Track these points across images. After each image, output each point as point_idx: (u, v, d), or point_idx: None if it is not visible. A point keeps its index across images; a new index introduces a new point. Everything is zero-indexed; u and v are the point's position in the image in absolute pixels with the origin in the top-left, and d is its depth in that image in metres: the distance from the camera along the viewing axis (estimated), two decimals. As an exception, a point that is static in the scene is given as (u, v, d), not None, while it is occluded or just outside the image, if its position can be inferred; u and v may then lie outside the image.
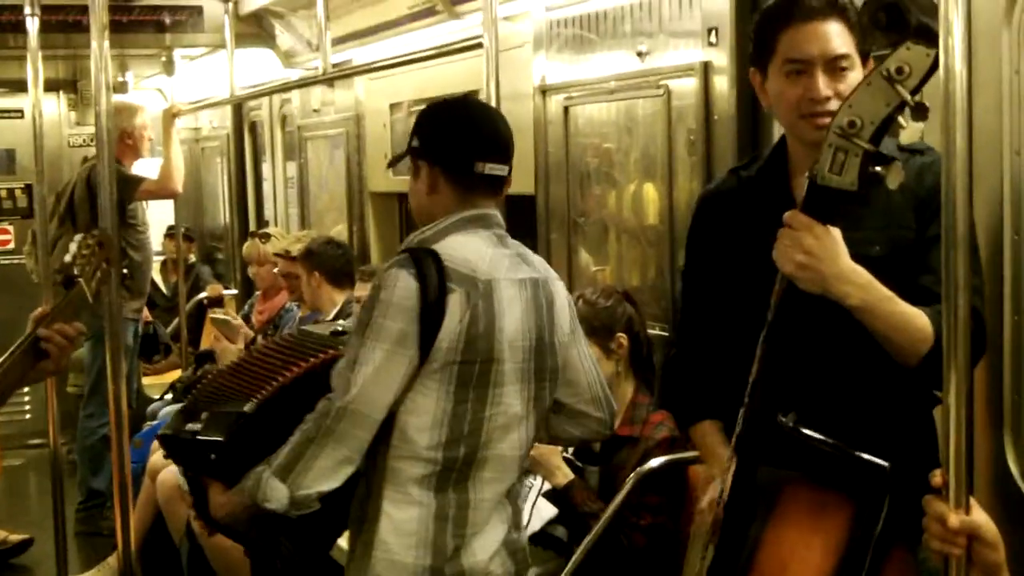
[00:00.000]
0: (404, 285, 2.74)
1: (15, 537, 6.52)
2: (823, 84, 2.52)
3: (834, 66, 2.53)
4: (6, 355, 3.09)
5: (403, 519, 2.80)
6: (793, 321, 2.39)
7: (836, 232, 2.31)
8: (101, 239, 3.38)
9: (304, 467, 2.73)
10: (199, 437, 3.05)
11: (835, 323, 2.40)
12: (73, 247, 3.29)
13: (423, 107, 3.04)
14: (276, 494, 2.73)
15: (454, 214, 2.88)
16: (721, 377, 2.84)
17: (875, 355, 2.43)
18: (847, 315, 2.36)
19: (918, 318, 2.35)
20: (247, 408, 2.98)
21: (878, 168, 2.22)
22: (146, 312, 7.65)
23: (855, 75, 2.53)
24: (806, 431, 2.39)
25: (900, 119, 2.21)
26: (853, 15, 2.55)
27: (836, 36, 2.52)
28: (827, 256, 2.31)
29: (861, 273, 2.33)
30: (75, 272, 3.25)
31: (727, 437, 2.76)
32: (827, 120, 2.52)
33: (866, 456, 2.35)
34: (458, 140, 2.91)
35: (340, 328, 3.20)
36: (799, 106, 2.56)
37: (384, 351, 2.73)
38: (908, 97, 2.15)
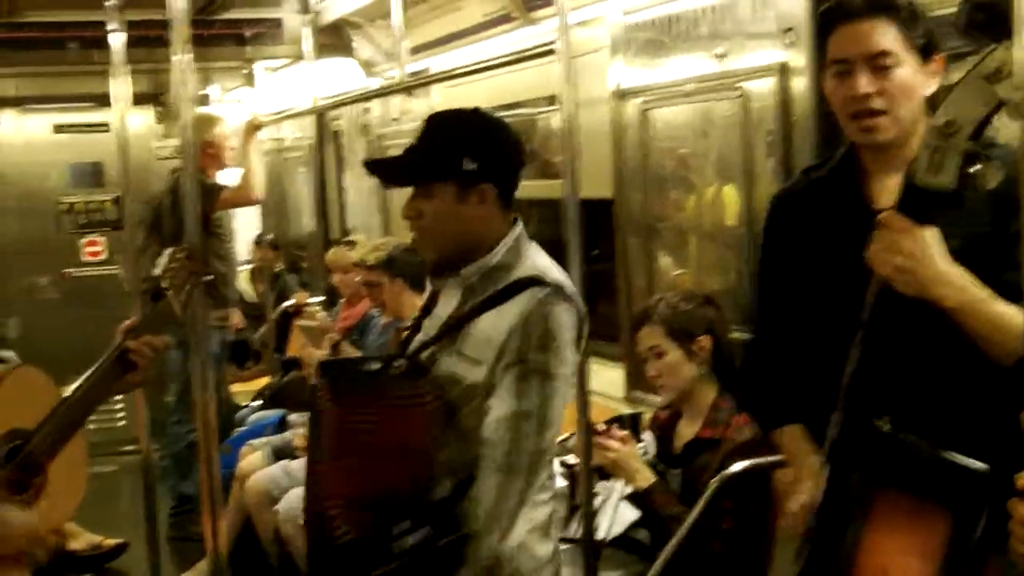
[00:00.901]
0: (567, 320, 2.70)
1: (110, 542, 6.60)
2: (864, 82, 2.52)
3: (875, 64, 2.52)
4: (95, 366, 3.16)
5: (535, 517, 2.74)
6: (889, 323, 2.38)
7: (933, 233, 2.30)
8: (190, 253, 3.43)
9: (521, 514, 2.68)
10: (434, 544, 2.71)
11: (931, 324, 2.38)
12: (163, 260, 3.35)
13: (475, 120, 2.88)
14: (515, 555, 2.67)
15: (510, 232, 2.82)
16: (800, 379, 2.84)
17: (971, 357, 2.40)
18: (943, 316, 2.34)
19: (1015, 317, 2.31)
20: (446, 491, 2.72)
21: (975, 168, 2.22)
22: (238, 319, 7.73)
23: (903, 72, 2.53)
24: (903, 434, 2.38)
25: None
26: (906, 12, 2.54)
27: (877, 34, 2.52)
28: (925, 258, 2.29)
29: (959, 275, 2.31)
30: (164, 285, 3.30)
31: (810, 440, 2.78)
32: (871, 121, 2.54)
33: (965, 460, 2.33)
34: (514, 159, 2.85)
35: (376, 367, 2.86)
36: (845, 106, 2.58)
37: (564, 383, 2.72)
38: (1006, 97, 2.14)
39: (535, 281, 2.71)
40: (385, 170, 2.97)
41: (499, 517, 2.66)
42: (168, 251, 3.37)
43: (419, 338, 2.89)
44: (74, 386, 3.13)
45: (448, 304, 2.87)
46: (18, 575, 2.93)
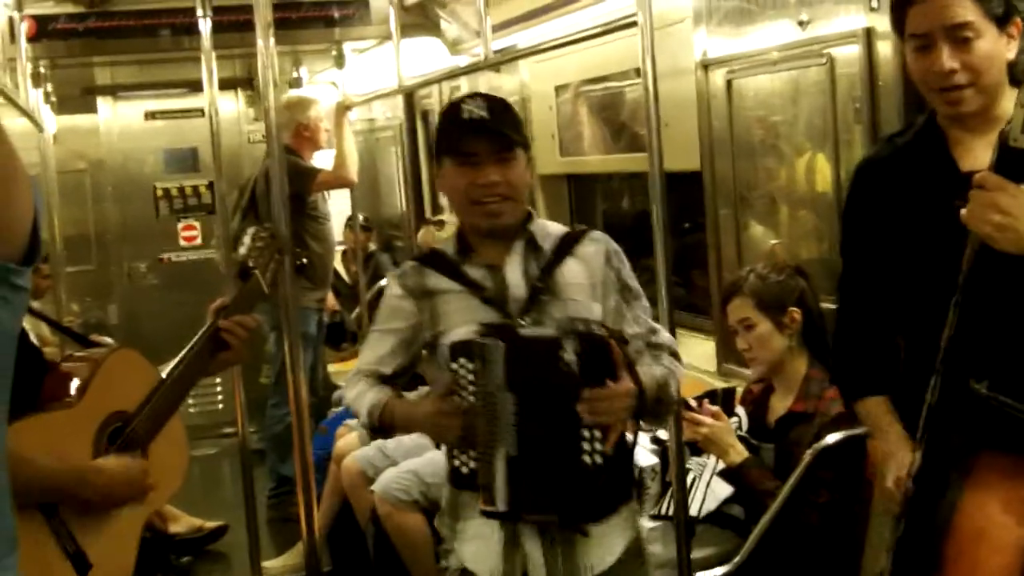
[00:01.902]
0: None
1: (210, 524, 6.70)
2: (946, 56, 2.50)
3: (956, 36, 2.50)
4: (189, 346, 3.20)
5: None
6: (986, 284, 2.36)
7: None
8: (273, 231, 3.47)
9: None
10: None
11: None
12: (247, 240, 3.39)
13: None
14: None
15: None
16: (888, 349, 2.81)
17: None
18: None
19: None
20: None
21: None
22: (332, 301, 7.79)
23: (983, 44, 2.51)
24: (1001, 397, 2.36)
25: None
26: None
27: (956, 6, 2.50)
28: None
29: None
30: (249, 264, 3.34)
31: (895, 410, 2.75)
32: (956, 95, 2.52)
33: None
34: None
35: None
36: (926, 80, 2.56)
37: None
38: None
39: (586, 231, 3.15)
40: (483, 132, 3.03)
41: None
42: (251, 230, 3.41)
43: (517, 295, 3.01)
44: (170, 367, 3.18)
45: (515, 263, 3.04)
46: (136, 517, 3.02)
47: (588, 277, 3.06)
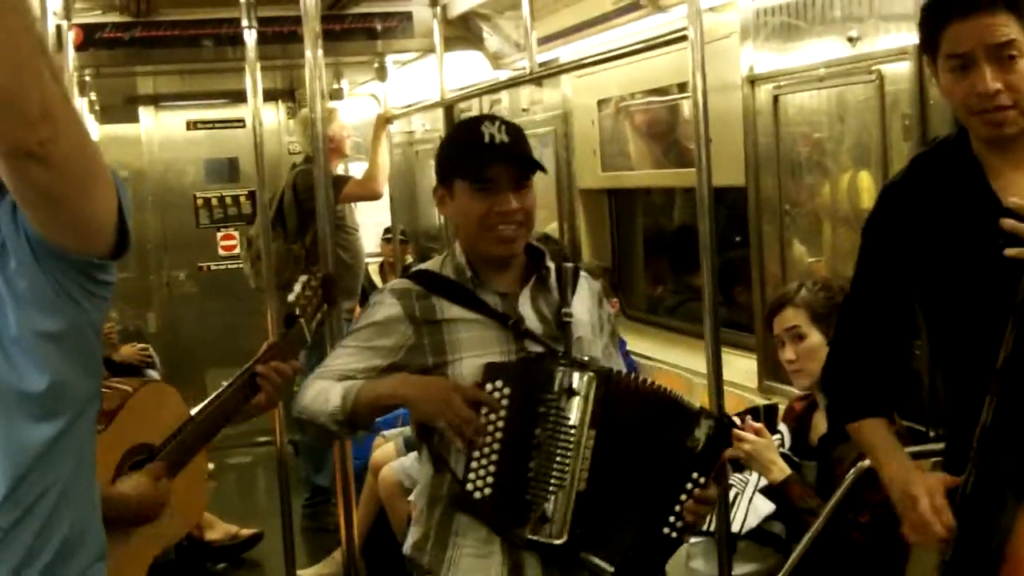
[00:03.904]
0: None
1: (246, 532, 6.73)
2: (990, 77, 2.42)
3: (1000, 55, 2.43)
4: (224, 387, 3.16)
5: None
6: None
7: None
8: (324, 279, 3.44)
9: None
10: None
11: None
12: (297, 287, 3.35)
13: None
14: None
15: None
16: (887, 377, 2.77)
17: None
18: None
19: None
20: None
21: None
22: (359, 311, 7.81)
23: None
24: None
25: None
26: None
27: (1001, 24, 2.42)
28: None
29: None
30: (296, 312, 3.30)
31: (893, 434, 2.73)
32: (1000, 115, 2.45)
33: None
34: None
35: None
36: (967, 103, 2.48)
37: None
38: None
39: (578, 268, 3.13)
40: (507, 159, 2.95)
41: None
42: (303, 278, 3.36)
43: (537, 328, 2.94)
44: (201, 406, 3.15)
45: (526, 295, 2.98)
46: (150, 543, 2.99)
47: (588, 315, 3.04)
